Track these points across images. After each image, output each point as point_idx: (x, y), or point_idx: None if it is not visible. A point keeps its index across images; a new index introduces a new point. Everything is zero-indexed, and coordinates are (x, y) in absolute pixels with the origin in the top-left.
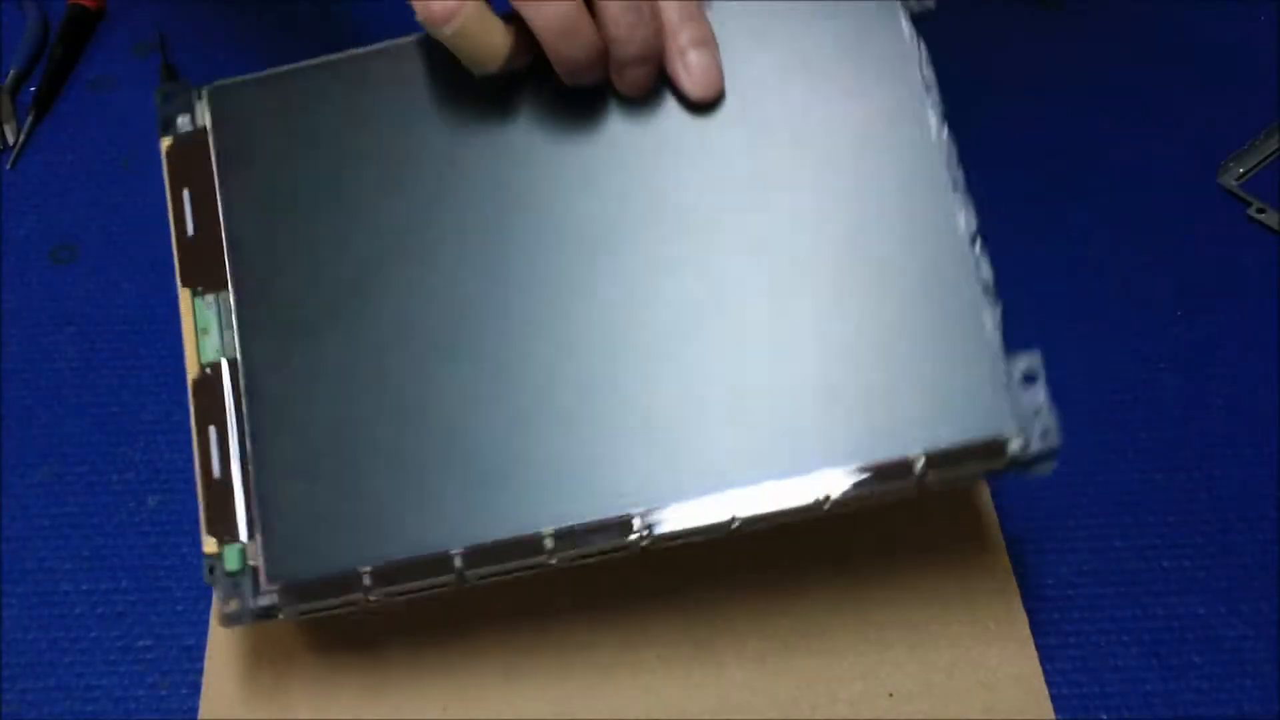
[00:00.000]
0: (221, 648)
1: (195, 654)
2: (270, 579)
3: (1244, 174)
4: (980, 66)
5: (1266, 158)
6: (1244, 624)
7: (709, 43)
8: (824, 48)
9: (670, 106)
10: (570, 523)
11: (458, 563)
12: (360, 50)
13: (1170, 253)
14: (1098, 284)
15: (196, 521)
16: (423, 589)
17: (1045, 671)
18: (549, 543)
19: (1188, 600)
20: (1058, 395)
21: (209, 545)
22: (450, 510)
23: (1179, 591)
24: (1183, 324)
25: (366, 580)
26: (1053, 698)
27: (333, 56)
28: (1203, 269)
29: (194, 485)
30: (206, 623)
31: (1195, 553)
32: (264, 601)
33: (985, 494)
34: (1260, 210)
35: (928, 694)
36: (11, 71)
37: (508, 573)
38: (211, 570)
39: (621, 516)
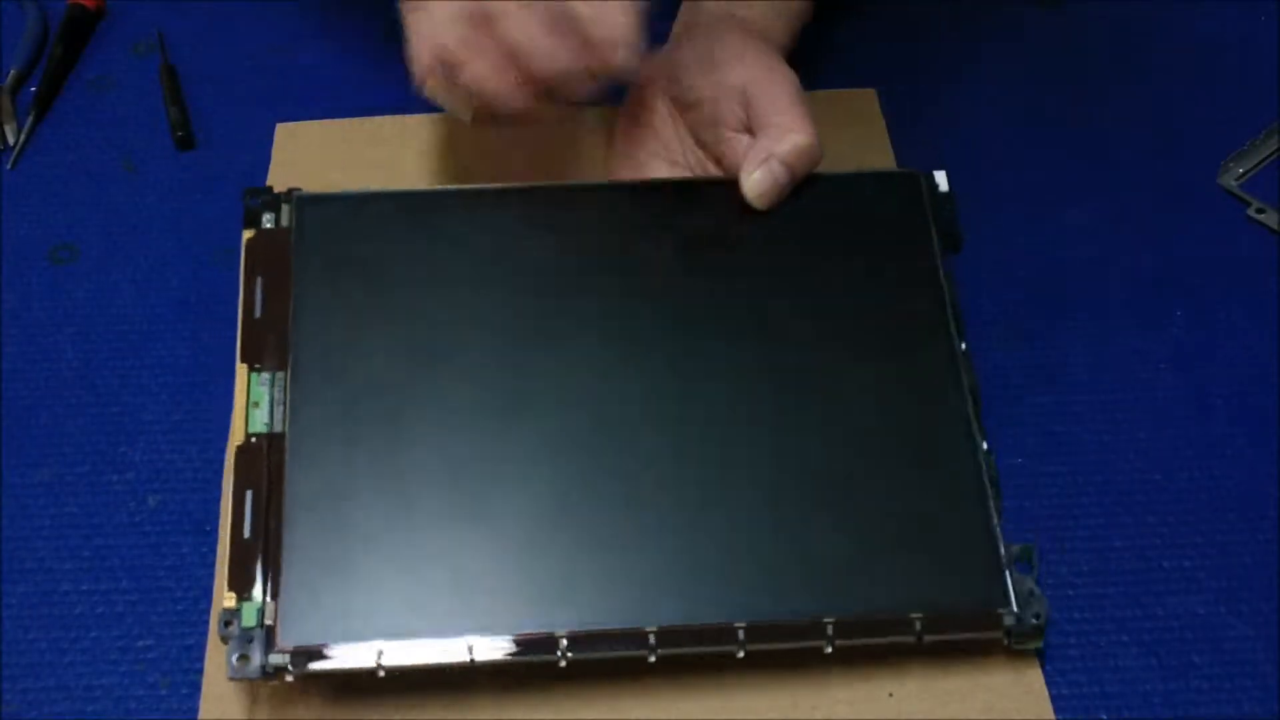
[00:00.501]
0: (221, 648)
1: (195, 653)
2: (284, 639)
3: (1244, 174)
4: (980, 65)
5: (1266, 158)
6: (1244, 624)
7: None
8: (869, 268)
9: (719, 285)
10: (587, 628)
11: (469, 648)
12: (433, 189)
13: (1171, 252)
14: (1098, 284)
15: (197, 521)
16: (431, 668)
17: (1045, 672)
18: (564, 642)
19: (1188, 600)
20: (1058, 395)
21: (229, 600)
22: (467, 599)
23: (1179, 592)
24: (1183, 324)
25: (378, 654)
26: (1052, 698)
27: (410, 189)
28: (1203, 269)
29: (215, 539)
30: (206, 623)
31: (1195, 553)
32: (275, 660)
33: None
34: (1260, 210)
35: (928, 694)
36: (11, 71)
37: (518, 664)
38: (228, 624)
39: (634, 629)
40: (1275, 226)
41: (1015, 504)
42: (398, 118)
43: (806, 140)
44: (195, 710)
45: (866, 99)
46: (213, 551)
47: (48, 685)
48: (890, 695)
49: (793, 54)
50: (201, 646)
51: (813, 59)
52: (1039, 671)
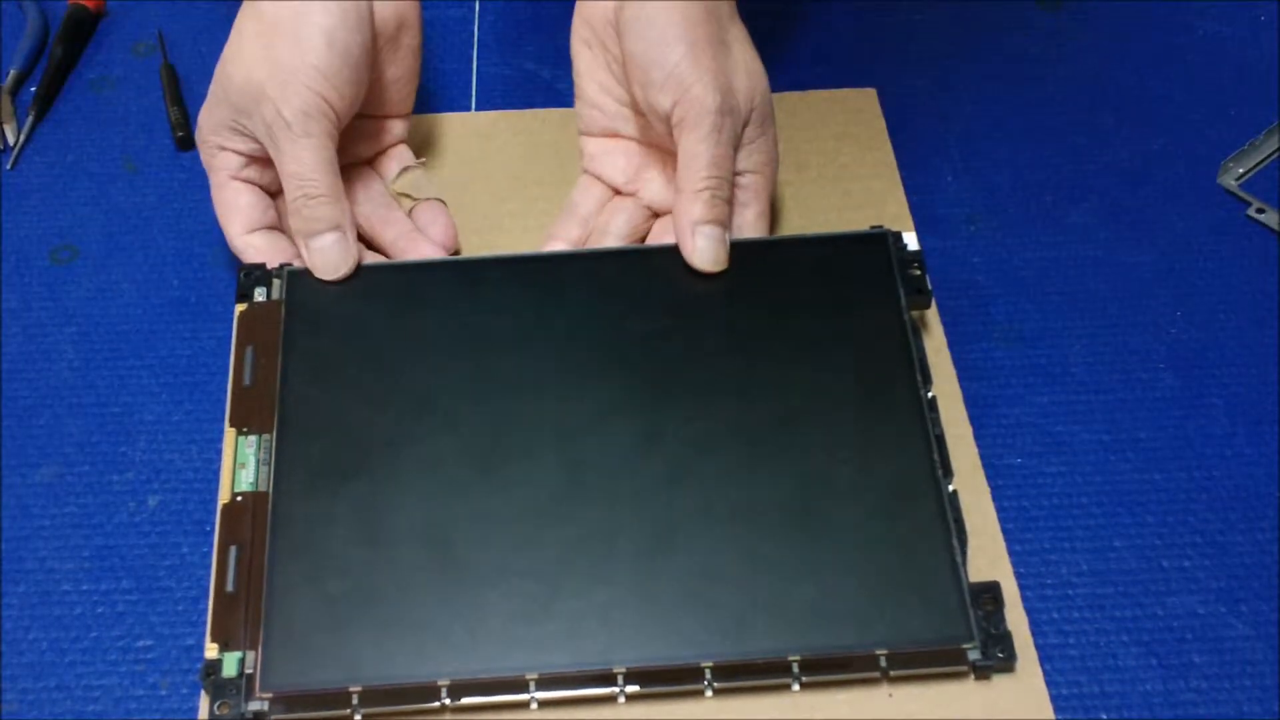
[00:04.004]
0: None
1: (195, 654)
2: (263, 688)
3: (1244, 174)
4: (979, 65)
5: (1266, 158)
6: (1243, 624)
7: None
8: (839, 323)
9: (692, 343)
10: (559, 669)
11: (444, 693)
12: (413, 260)
13: (1170, 253)
14: (1098, 284)
15: (197, 521)
16: (407, 713)
17: (1045, 671)
18: (533, 686)
19: (1187, 600)
20: (1058, 395)
21: (211, 651)
22: (442, 644)
23: (1179, 591)
24: (1183, 324)
25: (355, 699)
26: (1052, 698)
27: (394, 261)
28: (1203, 269)
29: (207, 587)
30: (206, 624)
31: (1195, 553)
32: (254, 707)
33: (986, 496)
34: (1260, 210)
35: (927, 694)
36: (12, 72)
37: (491, 708)
38: (209, 675)
39: (603, 670)
40: (1275, 226)
41: (1015, 504)
42: None
43: (709, 194)
44: (195, 711)
45: (866, 99)
46: (213, 552)
47: (47, 685)
48: (890, 695)
49: (794, 54)
50: (201, 647)
51: (813, 59)
52: (1039, 671)
